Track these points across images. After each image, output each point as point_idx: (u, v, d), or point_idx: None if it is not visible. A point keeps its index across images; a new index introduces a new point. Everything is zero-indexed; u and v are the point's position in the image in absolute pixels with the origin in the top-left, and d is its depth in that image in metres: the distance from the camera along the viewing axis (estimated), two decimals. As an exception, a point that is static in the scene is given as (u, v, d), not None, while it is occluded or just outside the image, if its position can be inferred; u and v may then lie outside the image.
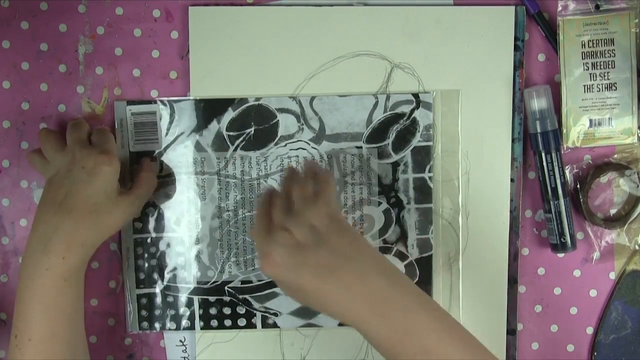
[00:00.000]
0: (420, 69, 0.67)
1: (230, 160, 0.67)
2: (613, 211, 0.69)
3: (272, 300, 0.68)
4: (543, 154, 0.66)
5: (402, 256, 0.67)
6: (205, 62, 0.68)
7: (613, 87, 0.66)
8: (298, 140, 0.67)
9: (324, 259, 0.52)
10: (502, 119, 0.67)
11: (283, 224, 0.53)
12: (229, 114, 0.67)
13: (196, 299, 0.68)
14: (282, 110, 0.67)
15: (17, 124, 0.70)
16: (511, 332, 0.68)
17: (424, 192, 0.67)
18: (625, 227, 0.68)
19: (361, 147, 0.67)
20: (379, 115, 0.66)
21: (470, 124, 0.67)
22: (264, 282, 0.68)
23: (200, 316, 0.68)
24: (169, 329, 0.69)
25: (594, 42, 0.66)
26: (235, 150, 0.67)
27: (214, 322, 0.69)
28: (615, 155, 0.68)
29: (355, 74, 0.67)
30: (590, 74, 0.66)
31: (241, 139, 0.67)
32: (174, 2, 0.69)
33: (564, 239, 0.67)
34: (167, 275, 0.68)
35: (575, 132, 0.67)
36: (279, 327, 0.68)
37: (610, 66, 0.66)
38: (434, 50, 0.67)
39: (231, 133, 0.67)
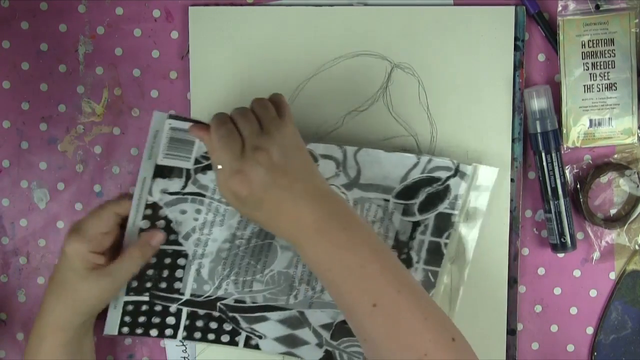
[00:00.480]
0: (420, 69, 0.67)
1: None
2: (613, 211, 0.69)
3: (260, 324, 0.67)
4: (543, 154, 0.66)
5: None
6: (205, 62, 0.68)
7: (613, 87, 0.66)
8: (331, 185, 0.65)
9: (289, 180, 0.55)
10: (502, 119, 0.67)
11: (257, 144, 0.55)
12: None
13: (185, 310, 0.67)
14: (325, 157, 0.65)
15: (17, 124, 0.70)
16: (511, 332, 0.68)
17: (435, 255, 0.66)
18: (625, 227, 0.68)
19: (388, 200, 0.66)
20: (415, 175, 0.65)
21: (470, 124, 0.67)
22: (257, 305, 0.66)
23: (185, 327, 0.67)
24: (152, 336, 0.67)
25: (594, 42, 0.66)
26: None
27: (197, 334, 0.67)
28: (615, 155, 0.68)
29: (355, 74, 0.67)
30: (590, 74, 0.66)
31: None
32: (174, 2, 0.69)
33: (564, 239, 0.67)
34: (160, 285, 0.66)
35: (575, 132, 0.67)
36: (260, 349, 0.67)
37: (610, 66, 0.66)
38: (434, 50, 0.67)
39: None
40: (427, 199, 0.66)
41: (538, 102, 0.66)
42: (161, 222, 0.65)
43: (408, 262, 0.66)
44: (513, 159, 0.67)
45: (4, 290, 0.72)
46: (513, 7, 0.66)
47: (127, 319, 0.66)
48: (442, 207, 0.66)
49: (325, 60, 0.68)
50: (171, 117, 0.63)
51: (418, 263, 0.66)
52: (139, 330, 0.67)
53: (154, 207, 0.65)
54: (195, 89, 0.68)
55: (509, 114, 0.67)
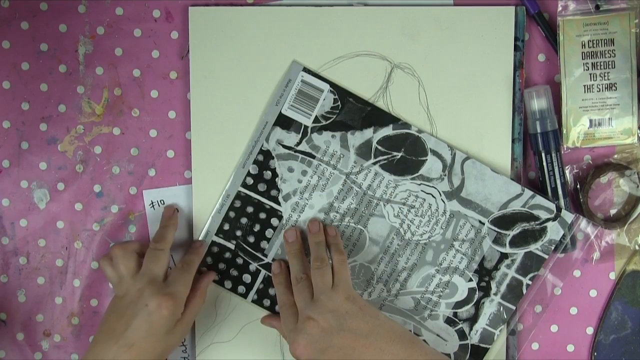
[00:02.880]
0: (420, 69, 0.67)
1: (365, 170, 0.67)
2: (613, 211, 0.69)
3: None
4: (543, 154, 0.66)
5: (462, 335, 0.67)
6: (205, 62, 0.68)
7: (613, 88, 0.66)
8: (433, 187, 0.67)
9: (346, 340, 0.59)
10: (502, 119, 0.67)
11: (308, 314, 0.60)
12: (387, 130, 0.67)
13: (263, 273, 0.68)
14: (435, 153, 0.66)
15: (17, 124, 0.70)
16: (511, 332, 0.68)
17: (514, 293, 0.67)
18: (625, 227, 0.68)
19: (483, 224, 0.67)
20: (515, 206, 0.66)
21: (470, 124, 0.67)
22: None
23: (258, 289, 0.68)
24: (225, 287, 0.69)
25: (594, 42, 0.66)
26: (374, 164, 0.67)
27: (266, 302, 0.69)
28: (615, 156, 0.68)
29: (355, 74, 0.67)
30: (591, 74, 0.66)
31: (385, 157, 0.67)
32: (174, 2, 0.69)
33: (564, 239, 0.67)
34: (249, 238, 0.68)
35: (575, 132, 0.67)
36: None
37: (610, 66, 0.66)
38: (434, 50, 0.67)
39: (380, 147, 0.67)
40: (521, 234, 0.66)
41: (538, 102, 0.66)
42: (268, 173, 0.67)
43: (486, 291, 0.67)
44: (513, 159, 0.67)
45: (4, 290, 0.72)
46: (513, 7, 0.66)
47: (209, 259, 0.69)
48: (534, 247, 0.66)
49: (326, 60, 0.68)
50: (305, 70, 0.66)
51: (496, 295, 0.67)
52: (216, 277, 0.69)
53: (267, 155, 0.67)
54: (195, 89, 0.68)
55: (509, 114, 0.67)
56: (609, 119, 0.66)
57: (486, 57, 0.67)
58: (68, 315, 0.72)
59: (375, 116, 0.67)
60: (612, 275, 0.69)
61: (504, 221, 0.66)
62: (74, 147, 0.70)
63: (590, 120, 0.66)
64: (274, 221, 0.68)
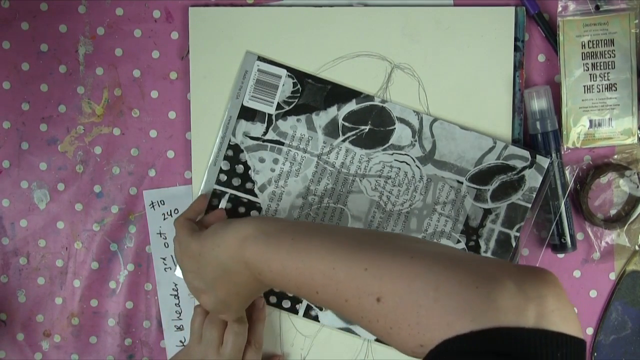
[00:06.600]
0: (420, 69, 0.67)
1: (335, 148, 0.67)
2: (613, 212, 0.69)
3: None
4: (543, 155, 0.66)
5: None
6: (205, 62, 0.68)
7: (613, 88, 0.66)
8: (406, 155, 0.67)
9: (197, 279, 0.59)
10: (502, 120, 0.67)
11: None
12: (351, 105, 0.67)
13: None
14: (402, 121, 0.66)
15: (17, 124, 0.70)
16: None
17: (504, 247, 0.67)
18: (625, 227, 0.68)
19: (462, 183, 0.66)
20: (490, 160, 0.66)
21: (470, 125, 0.67)
22: None
23: None
24: None
25: (594, 42, 0.66)
26: (344, 141, 0.67)
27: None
28: (615, 156, 0.68)
29: (355, 75, 0.67)
30: (590, 75, 0.66)
31: (354, 132, 0.67)
32: (174, 2, 0.69)
33: (564, 240, 0.67)
34: None
35: (576, 132, 0.67)
36: (319, 321, 0.68)
37: (610, 67, 0.66)
38: (434, 51, 0.67)
39: (346, 124, 0.67)
40: (501, 187, 0.66)
41: (538, 103, 0.66)
42: (240, 167, 0.67)
43: (476, 250, 0.67)
44: (513, 160, 0.67)
45: (4, 291, 0.72)
46: (513, 8, 0.66)
47: None
48: (515, 198, 0.66)
49: (325, 60, 0.67)
50: (260, 58, 0.66)
51: (486, 253, 0.67)
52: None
53: (235, 149, 0.67)
54: (195, 90, 0.68)
55: (509, 114, 0.67)
56: (609, 119, 0.66)
57: (486, 57, 0.67)
58: (68, 315, 0.72)
59: (337, 93, 0.67)
60: (612, 276, 0.69)
61: (482, 176, 0.66)
62: (74, 147, 0.70)
63: (590, 121, 0.66)
64: (254, 214, 0.68)
